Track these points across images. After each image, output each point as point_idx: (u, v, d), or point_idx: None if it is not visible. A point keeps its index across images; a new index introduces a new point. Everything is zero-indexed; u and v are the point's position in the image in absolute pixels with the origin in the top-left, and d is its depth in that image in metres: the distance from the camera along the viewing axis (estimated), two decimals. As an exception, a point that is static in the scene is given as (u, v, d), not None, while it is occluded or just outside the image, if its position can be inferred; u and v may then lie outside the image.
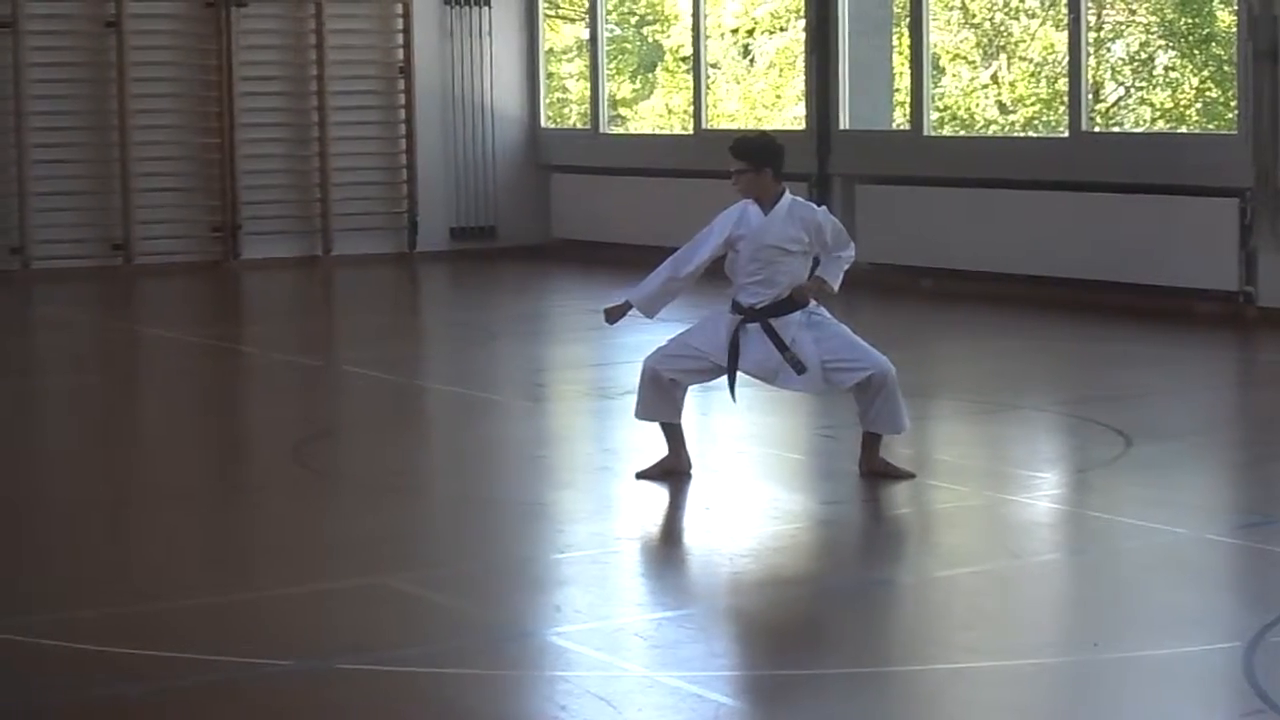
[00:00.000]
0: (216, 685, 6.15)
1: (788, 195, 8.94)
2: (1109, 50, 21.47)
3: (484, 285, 17.96)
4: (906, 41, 17.13)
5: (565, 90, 23.83)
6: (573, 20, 24.00)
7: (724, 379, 8.95)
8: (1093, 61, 18.53)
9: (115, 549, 8.15)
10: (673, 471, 8.98)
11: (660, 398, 8.97)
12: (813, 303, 8.90)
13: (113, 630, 6.76)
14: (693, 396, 9.93)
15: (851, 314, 16.22)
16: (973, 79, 22.69)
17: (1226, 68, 18.87)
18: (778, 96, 23.96)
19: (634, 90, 25.17)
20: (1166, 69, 21.52)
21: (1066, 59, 16.20)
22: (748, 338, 8.85)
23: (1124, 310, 14.64)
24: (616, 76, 24.00)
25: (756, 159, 8.91)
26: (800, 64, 19.25)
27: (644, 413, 9.04)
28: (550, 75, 21.90)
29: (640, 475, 9.00)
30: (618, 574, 7.67)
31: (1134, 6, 21.40)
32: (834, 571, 7.70)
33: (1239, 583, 7.56)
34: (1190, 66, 21.22)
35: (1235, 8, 14.97)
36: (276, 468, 9.91)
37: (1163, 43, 21.51)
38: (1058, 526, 8.40)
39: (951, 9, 22.12)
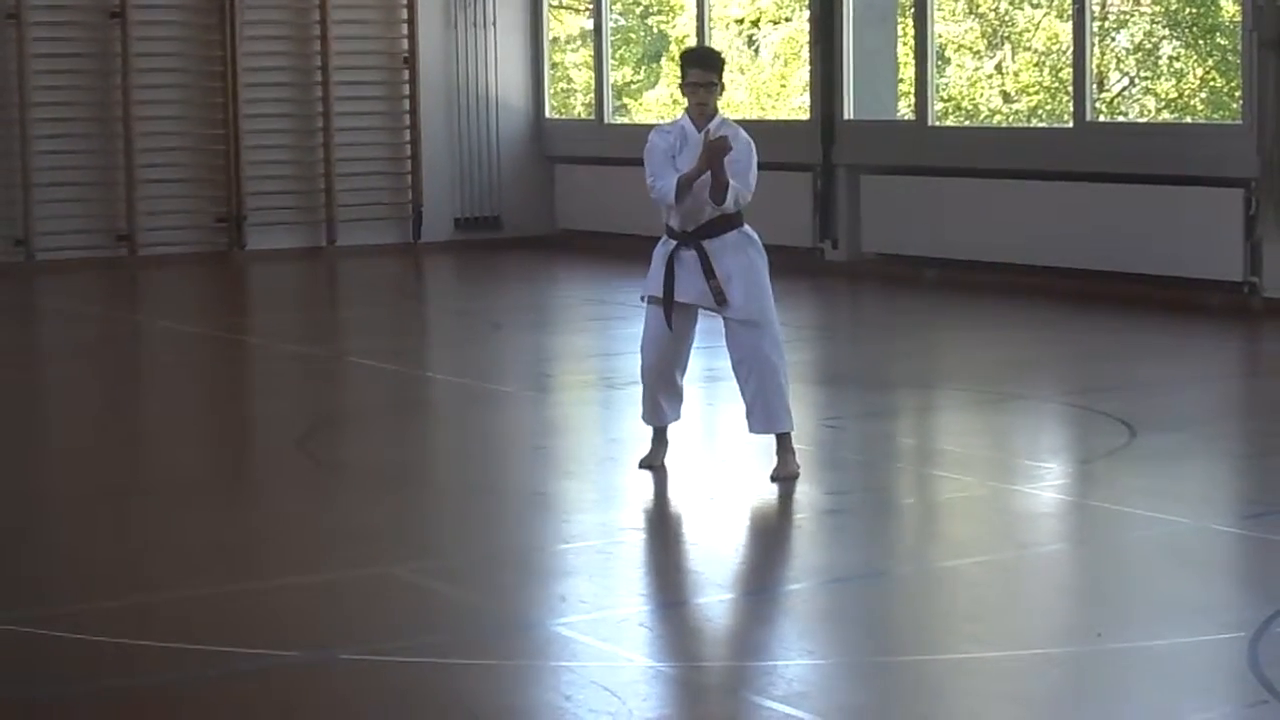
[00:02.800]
0: (221, 676, 6.15)
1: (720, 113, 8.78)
2: (1113, 40, 21.48)
3: (488, 276, 17.95)
4: (911, 31, 17.11)
5: (570, 80, 23.83)
6: (577, 10, 24.00)
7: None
8: (1097, 51, 18.54)
9: (120, 540, 8.15)
10: (654, 465, 8.98)
11: (666, 398, 8.92)
12: (747, 229, 8.71)
13: (118, 621, 6.76)
14: (698, 388, 9.94)
15: (856, 304, 16.37)
16: (977, 69, 22.69)
17: (1231, 57, 18.87)
18: (782, 87, 23.97)
19: (638, 80, 25.17)
20: (1171, 59, 21.52)
21: (1071, 49, 16.18)
22: (683, 266, 8.67)
23: (1128, 301, 14.63)
24: (621, 66, 23.99)
25: (721, 73, 8.76)
26: (805, 54, 19.25)
27: (653, 418, 8.99)
28: (555, 65, 21.89)
29: (643, 464, 8.99)
30: (622, 564, 7.67)
31: (1138, -4, 21.39)
32: (838, 562, 7.70)
33: (1244, 573, 7.56)
34: (1195, 56, 21.21)
35: (1240, -3, 14.96)
36: (281, 458, 9.92)
37: (1167, 32, 21.51)
38: (1062, 517, 8.39)
39: (956, -1, 22.12)
